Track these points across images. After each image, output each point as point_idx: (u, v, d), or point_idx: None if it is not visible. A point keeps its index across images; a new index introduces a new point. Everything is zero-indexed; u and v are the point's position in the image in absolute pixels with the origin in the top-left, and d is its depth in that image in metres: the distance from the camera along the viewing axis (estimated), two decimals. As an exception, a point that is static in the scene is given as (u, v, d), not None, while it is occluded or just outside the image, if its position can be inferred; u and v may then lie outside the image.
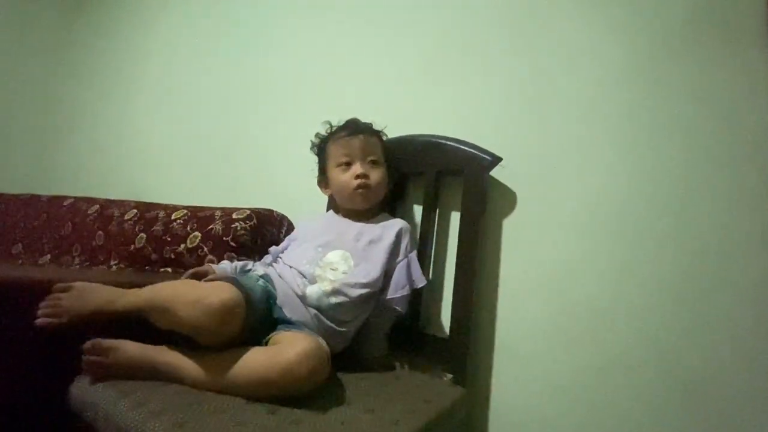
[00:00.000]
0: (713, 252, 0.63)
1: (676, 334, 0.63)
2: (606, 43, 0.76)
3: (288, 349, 0.51)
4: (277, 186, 1.17)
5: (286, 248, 0.78)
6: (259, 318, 0.60)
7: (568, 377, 0.70)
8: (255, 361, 0.51)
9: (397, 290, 0.72)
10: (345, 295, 0.67)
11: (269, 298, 0.65)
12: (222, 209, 0.93)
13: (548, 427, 0.71)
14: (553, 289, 0.74)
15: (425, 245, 0.83)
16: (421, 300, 0.80)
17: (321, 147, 0.81)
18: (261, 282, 0.66)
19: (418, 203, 0.89)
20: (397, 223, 0.78)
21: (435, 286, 0.83)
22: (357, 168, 0.75)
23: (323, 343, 0.58)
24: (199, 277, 0.69)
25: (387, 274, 0.74)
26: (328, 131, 0.81)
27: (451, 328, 0.75)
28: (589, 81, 0.77)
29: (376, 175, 0.77)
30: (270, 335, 0.58)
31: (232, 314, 0.52)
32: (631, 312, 0.67)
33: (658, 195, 0.68)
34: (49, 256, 1.20)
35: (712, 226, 0.63)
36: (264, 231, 0.89)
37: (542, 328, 0.74)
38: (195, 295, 0.53)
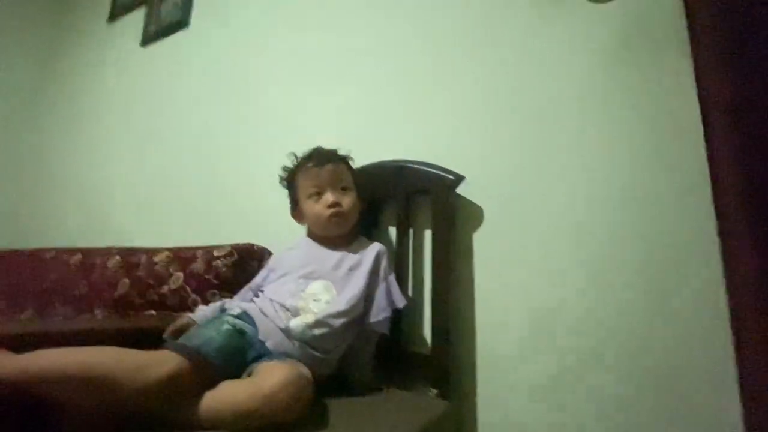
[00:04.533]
0: (669, 252, 0.67)
1: (643, 332, 0.67)
2: (555, 63, 0.83)
3: (268, 379, 0.52)
4: (259, 219, 1.19)
5: (265, 278, 0.80)
6: (226, 362, 0.58)
7: (547, 380, 0.73)
8: (235, 393, 0.52)
9: (378, 313, 0.75)
10: (328, 325, 0.69)
11: (243, 335, 0.64)
12: (203, 248, 0.95)
13: (534, 430, 0.72)
14: (527, 297, 0.77)
15: (401, 265, 0.86)
16: (402, 319, 0.82)
17: (290, 180, 0.84)
18: (226, 325, 0.63)
19: (393, 225, 0.92)
20: (374, 247, 0.81)
21: (415, 304, 0.86)
22: (329, 197, 0.78)
23: (305, 370, 0.59)
24: (181, 332, 0.68)
25: (368, 298, 0.76)
26: (295, 163, 0.84)
27: (432, 343, 0.77)
28: (543, 99, 0.83)
29: (347, 201, 0.80)
30: (250, 368, 0.59)
31: (177, 389, 0.50)
32: (601, 313, 0.70)
33: (615, 201, 0.73)
34: (31, 310, 1.19)
35: (664, 226, 0.68)
36: (246, 265, 0.91)
37: (520, 335, 0.76)
38: (135, 362, 0.50)
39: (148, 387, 0.49)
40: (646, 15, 0.77)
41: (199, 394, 0.52)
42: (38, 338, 0.61)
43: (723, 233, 0.66)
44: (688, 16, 0.76)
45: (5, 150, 2.04)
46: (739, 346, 0.62)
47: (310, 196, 0.79)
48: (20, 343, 0.56)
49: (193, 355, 0.54)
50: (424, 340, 0.83)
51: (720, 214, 0.67)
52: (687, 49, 0.72)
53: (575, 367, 0.71)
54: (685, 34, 0.73)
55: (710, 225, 0.65)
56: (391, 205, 0.92)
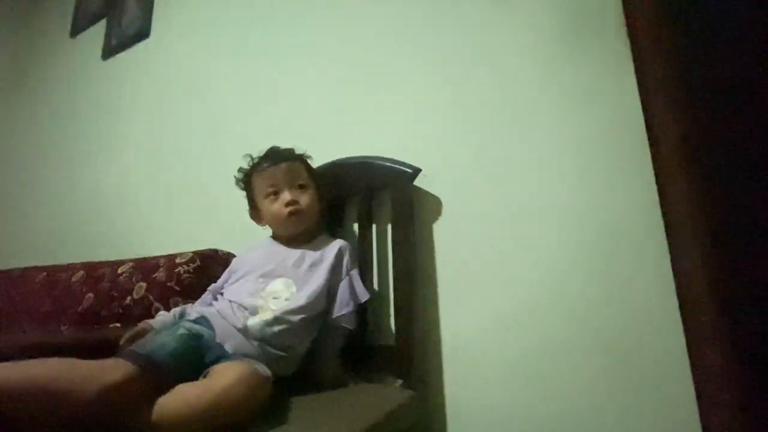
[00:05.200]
0: (620, 237, 0.68)
1: (601, 314, 0.68)
2: (504, 54, 0.85)
3: (221, 378, 0.52)
4: (229, 222, 1.18)
5: (226, 281, 0.79)
6: (180, 366, 0.57)
7: (513, 366, 0.73)
8: (187, 394, 0.51)
9: (342, 308, 0.75)
10: (287, 321, 0.69)
11: (200, 338, 0.64)
12: (166, 256, 0.94)
13: (503, 414, 0.73)
14: (488, 284, 0.78)
15: (366, 260, 0.86)
16: (368, 313, 0.83)
17: (246, 181, 0.84)
18: (182, 330, 0.63)
19: (356, 221, 0.93)
20: (336, 244, 0.81)
21: (381, 297, 0.86)
22: (286, 195, 0.78)
23: (261, 368, 0.59)
24: (138, 338, 0.67)
25: (331, 294, 0.76)
26: (250, 164, 0.84)
27: (396, 334, 0.78)
28: (494, 90, 0.84)
29: (305, 198, 0.80)
30: (206, 370, 0.59)
31: (127, 397, 0.49)
32: (560, 299, 0.71)
33: (567, 186, 0.74)
34: (-2, 331, 1.16)
35: (615, 211, 0.70)
36: (209, 271, 0.90)
37: (484, 323, 0.77)
38: (84, 372, 0.49)
39: (100, 395, 0.48)
40: (584, 5, 0.79)
41: (153, 399, 0.51)
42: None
43: (666, 212, 0.68)
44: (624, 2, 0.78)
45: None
46: (688, 329, 0.64)
47: (267, 196, 0.80)
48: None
49: (143, 361, 0.53)
50: (390, 332, 0.83)
51: (665, 203, 0.69)
52: (623, 29, 0.75)
53: (536, 352, 0.72)
54: (621, 13, 0.76)
55: (654, 207, 0.67)
56: (354, 201, 0.93)
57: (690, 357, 0.62)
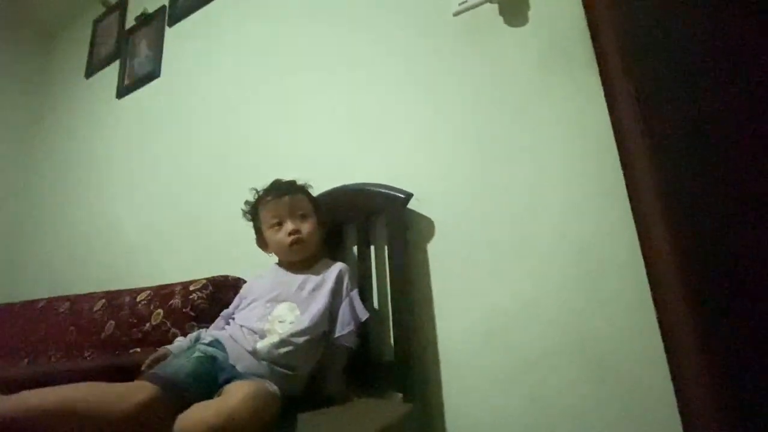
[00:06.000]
0: (600, 252, 0.74)
1: (583, 322, 0.73)
2: (487, 83, 0.92)
3: (233, 396, 0.58)
4: (239, 251, 1.25)
5: (237, 307, 0.86)
6: (197, 387, 0.63)
7: (507, 375, 0.78)
8: (203, 412, 0.56)
9: (343, 328, 0.80)
10: (292, 343, 0.74)
11: (214, 360, 0.70)
12: (181, 283, 1.01)
13: (498, 423, 0.77)
14: (480, 299, 0.83)
15: (365, 281, 0.92)
16: (369, 332, 0.88)
17: (252, 213, 0.91)
18: (197, 353, 0.69)
19: (355, 244, 0.99)
20: (336, 267, 0.87)
21: (381, 316, 0.92)
22: (288, 226, 0.85)
23: (271, 386, 0.65)
24: (158, 362, 0.73)
25: (333, 315, 0.82)
26: (256, 197, 0.91)
27: (395, 350, 0.83)
28: (479, 118, 0.91)
29: (306, 227, 0.87)
30: (220, 390, 0.65)
31: (152, 416, 0.55)
32: (545, 311, 0.76)
33: (549, 208, 0.80)
34: (26, 360, 1.24)
35: (593, 228, 0.75)
36: (221, 296, 0.97)
37: (478, 336, 0.82)
38: (111, 394, 0.54)
39: (126, 415, 0.54)
40: (556, 31, 0.86)
41: (174, 417, 0.57)
42: (27, 381, 0.67)
43: (639, 223, 0.74)
44: (592, 34, 0.85)
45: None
46: (664, 327, 0.68)
47: (271, 227, 0.86)
48: (13, 387, 0.61)
49: (165, 382, 0.59)
50: (390, 349, 0.88)
51: (637, 215, 0.74)
52: (593, 56, 0.81)
53: (531, 359, 0.76)
54: (589, 42, 0.82)
55: (628, 218, 0.72)
56: (352, 225, 0.99)
57: (669, 364, 0.67)
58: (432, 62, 1.01)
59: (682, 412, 0.65)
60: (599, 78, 0.80)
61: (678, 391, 0.65)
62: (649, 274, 0.70)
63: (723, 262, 0.68)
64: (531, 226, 0.81)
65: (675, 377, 0.66)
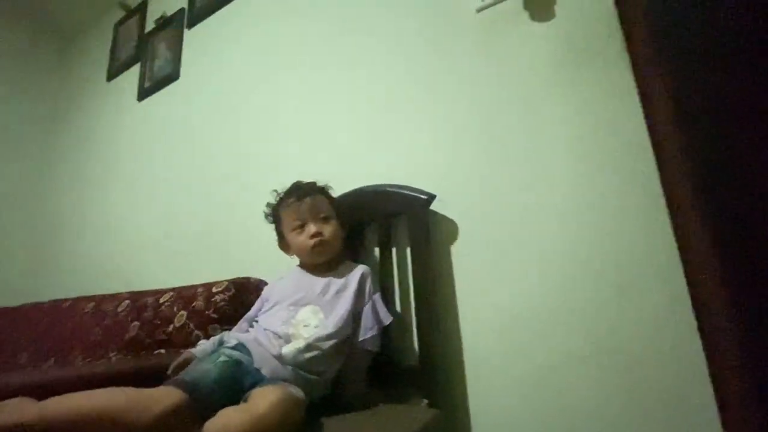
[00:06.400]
0: (629, 248, 0.71)
1: (615, 328, 0.70)
2: (508, 80, 0.90)
3: (260, 401, 0.57)
4: (258, 252, 1.25)
5: (259, 310, 0.85)
6: (223, 392, 0.63)
7: (531, 379, 0.76)
8: (230, 418, 0.56)
9: (366, 332, 0.79)
10: (318, 348, 0.73)
11: (239, 365, 0.69)
12: (203, 285, 1.01)
13: (526, 428, 0.75)
14: (506, 303, 0.81)
15: (387, 283, 0.91)
16: (391, 335, 0.87)
17: (274, 215, 0.91)
18: (222, 357, 0.69)
19: (377, 246, 0.98)
20: (359, 270, 0.86)
21: (403, 319, 0.90)
22: (311, 228, 0.84)
23: (296, 391, 0.64)
24: (184, 367, 0.74)
25: (356, 318, 0.81)
26: (277, 199, 0.91)
27: (419, 354, 0.81)
28: (500, 115, 0.89)
29: (329, 230, 0.86)
30: (246, 394, 0.64)
31: (180, 422, 0.55)
32: (577, 314, 0.74)
33: (575, 204, 0.78)
34: (53, 359, 1.26)
35: (621, 225, 0.73)
36: (243, 298, 0.97)
37: (502, 339, 0.80)
38: (139, 400, 0.55)
39: (153, 422, 0.54)
40: (583, 26, 0.83)
41: (200, 424, 0.57)
42: (58, 385, 0.68)
43: (675, 222, 0.70)
44: (623, 27, 0.82)
45: (19, 208, 2.16)
46: (703, 329, 0.65)
47: (293, 229, 0.86)
48: (44, 391, 0.62)
49: (191, 388, 0.59)
50: (413, 353, 0.87)
51: (672, 208, 0.71)
52: (624, 50, 0.78)
53: (557, 364, 0.74)
54: (621, 37, 0.79)
55: (664, 219, 0.69)
56: (373, 227, 0.98)
57: (709, 368, 0.63)
58: (454, 59, 0.98)
59: (724, 423, 0.62)
60: (631, 74, 0.77)
61: (722, 408, 0.62)
62: (687, 278, 0.67)
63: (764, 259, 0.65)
64: (560, 227, 0.78)
65: (718, 389, 0.63)
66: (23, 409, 0.54)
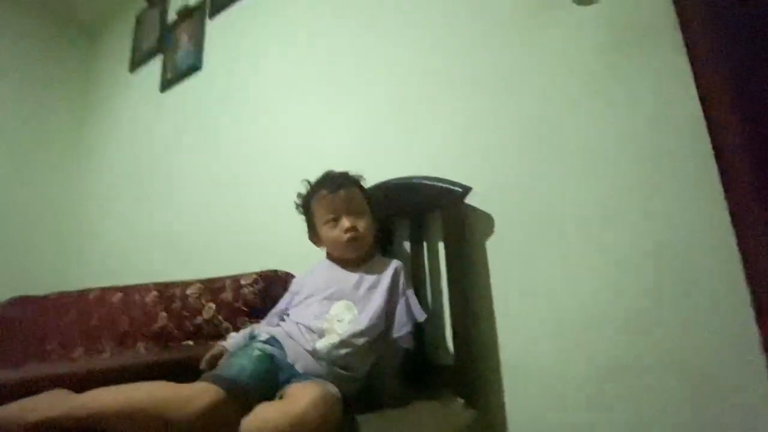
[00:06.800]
0: (684, 244, 0.67)
1: (674, 334, 0.66)
2: (552, 68, 0.85)
3: (299, 400, 0.56)
4: (281, 244, 1.24)
5: (289, 303, 0.84)
6: (259, 387, 0.62)
7: (576, 385, 0.73)
8: (269, 415, 0.54)
9: (400, 329, 0.77)
10: (352, 345, 0.72)
11: (273, 359, 0.68)
12: (231, 277, 1.00)
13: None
14: (547, 301, 0.78)
15: (418, 278, 0.88)
16: (424, 332, 0.85)
17: (306, 207, 0.88)
18: (256, 352, 0.68)
19: (407, 240, 0.95)
20: (392, 265, 0.84)
21: (435, 315, 0.88)
22: (345, 223, 0.81)
23: (333, 389, 0.62)
24: (216, 360, 0.74)
25: (389, 314, 0.79)
26: (308, 190, 0.88)
27: (455, 353, 0.79)
28: (543, 103, 0.85)
29: (363, 224, 0.83)
30: (282, 389, 0.63)
31: (218, 418, 0.54)
32: (626, 317, 0.70)
33: (625, 198, 0.73)
34: (82, 348, 1.28)
35: (676, 220, 0.68)
36: (271, 291, 0.96)
37: (543, 340, 0.77)
38: (178, 397, 0.54)
39: (195, 417, 0.54)
40: (633, 10, 0.78)
41: (237, 419, 0.56)
42: (93, 376, 0.68)
43: (737, 223, 0.66)
44: (678, 10, 0.77)
45: (48, 202, 2.20)
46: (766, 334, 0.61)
47: (326, 222, 0.83)
48: (78, 382, 0.62)
49: (229, 384, 0.58)
50: (447, 350, 0.85)
51: (732, 204, 0.67)
52: (679, 37, 0.73)
53: (601, 372, 0.71)
54: (675, 22, 0.74)
55: (723, 215, 0.65)
56: (403, 220, 0.96)
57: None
58: (493, 47, 0.94)
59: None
60: (687, 60, 0.72)
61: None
62: (748, 278, 0.63)
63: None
64: (605, 223, 0.74)
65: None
66: (63, 401, 0.54)
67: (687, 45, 0.74)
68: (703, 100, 0.71)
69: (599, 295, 0.73)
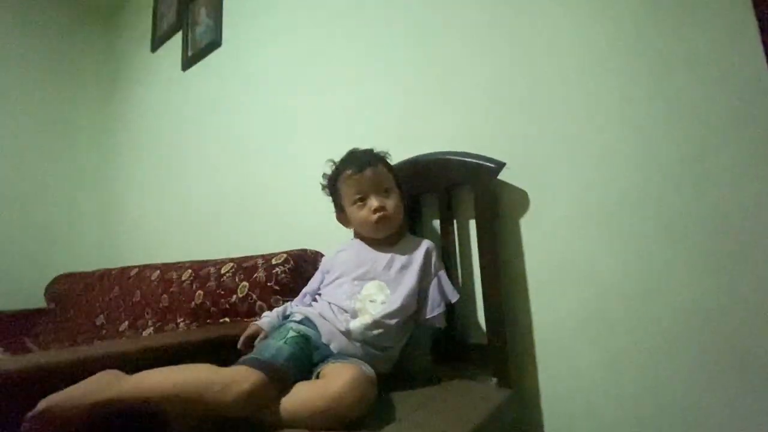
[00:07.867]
0: (730, 216, 0.62)
1: (714, 311, 0.63)
2: (589, 35, 0.78)
3: (335, 380, 0.57)
4: (307, 223, 1.25)
5: (320, 282, 0.84)
6: (296, 368, 0.63)
7: (611, 363, 0.71)
8: (307, 395, 0.56)
9: (433, 309, 0.77)
10: (385, 325, 0.72)
11: (308, 340, 0.69)
12: (262, 257, 1.02)
13: (601, 413, 0.71)
14: (581, 278, 0.75)
15: (448, 257, 0.87)
16: (455, 311, 0.84)
17: (332, 187, 0.87)
18: (291, 333, 0.69)
19: (436, 218, 0.93)
20: (423, 245, 0.82)
21: (466, 295, 0.87)
22: (373, 202, 0.80)
23: (368, 369, 0.63)
24: (252, 340, 0.77)
25: (421, 294, 0.78)
26: (334, 170, 0.86)
27: (488, 332, 0.78)
28: (580, 74, 0.79)
29: (391, 203, 0.82)
30: (318, 369, 0.64)
31: (258, 400, 0.56)
32: (665, 294, 0.67)
33: (670, 173, 0.68)
34: (126, 322, 1.36)
35: (725, 194, 0.63)
36: (301, 270, 0.97)
37: (578, 317, 0.75)
38: (221, 381, 0.56)
39: (235, 401, 0.56)
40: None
41: (277, 400, 0.58)
42: (139, 354, 0.71)
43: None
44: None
45: (88, 184, 2.29)
46: None
47: (354, 203, 0.82)
48: (125, 362, 0.65)
49: (268, 368, 0.60)
50: (479, 330, 0.84)
51: None
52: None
53: (638, 350, 0.69)
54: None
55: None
56: (432, 197, 0.93)
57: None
58: (526, 10, 0.87)
59: None
60: (754, 17, 0.64)
61: None
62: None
63: None
64: (647, 201, 0.69)
65: None
66: (115, 384, 0.57)
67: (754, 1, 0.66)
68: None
69: (646, 271, 0.69)
